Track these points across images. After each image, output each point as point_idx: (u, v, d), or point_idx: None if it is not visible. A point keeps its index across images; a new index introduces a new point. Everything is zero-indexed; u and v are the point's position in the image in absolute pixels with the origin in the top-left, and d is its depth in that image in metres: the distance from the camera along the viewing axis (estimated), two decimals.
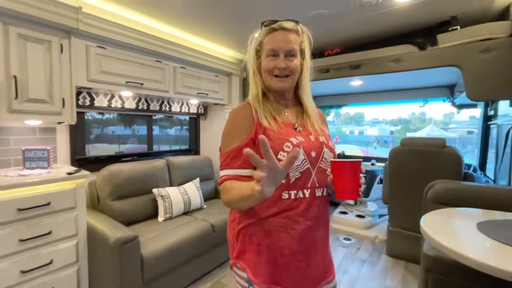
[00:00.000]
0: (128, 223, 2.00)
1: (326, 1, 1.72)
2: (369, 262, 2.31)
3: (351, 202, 3.24)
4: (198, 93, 2.53)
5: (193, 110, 2.97)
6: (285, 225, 0.75)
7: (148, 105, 2.49)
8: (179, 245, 1.79)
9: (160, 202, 2.14)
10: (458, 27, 1.88)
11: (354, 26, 2.09)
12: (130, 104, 2.33)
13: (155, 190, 2.15)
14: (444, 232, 1.12)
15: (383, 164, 3.29)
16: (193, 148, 3.13)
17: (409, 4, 1.71)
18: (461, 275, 1.29)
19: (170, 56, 2.22)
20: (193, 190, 2.37)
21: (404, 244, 2.29)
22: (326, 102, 4.00)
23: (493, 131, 2.71)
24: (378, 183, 3.11)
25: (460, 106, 2.97)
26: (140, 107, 2.41)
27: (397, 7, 1.75)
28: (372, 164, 3.30)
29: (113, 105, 2.20)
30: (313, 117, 0.87)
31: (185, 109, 2.87)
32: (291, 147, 0.74)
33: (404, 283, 1.99)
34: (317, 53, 2.64)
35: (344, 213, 3.11)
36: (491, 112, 2.64)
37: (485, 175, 2.67)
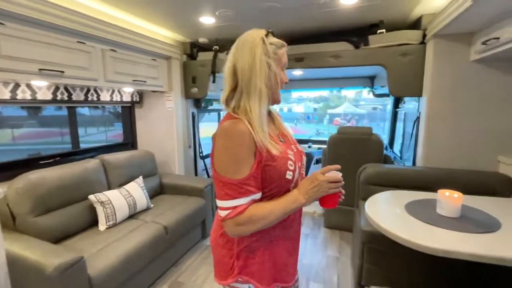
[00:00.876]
0: (62, 238, 1.71)
1: None
2: (311, 236, 2.64)
3: None
4: (133, 80, 2.22)
5: (127, 98, 2.61)
6: (283, 232, 0.81)
7: (70, 95, 2.05)
8: (130, 255, 1.63)
9: (100, 209, 1.88)
10: (384, 30, 2.15)
11: (300, 21, 2.15)
12: (45, 95, 1.88)
13: (92, 197, 1.87)
14: (381, 215, 1.37)
15: (317, 146, 3.67)
16: (129, 141, 2.80)
17: (349, 6, 1.85)
18: (390, 244, 1.61)
19: (96, 37, 1.84)
20: (137, 190, 2.16)
21: (338, 216, 2.68)
22: None
23: (400, 115, 3.34)
24: (314, 164, 3.47)
25: (379, 95, 3.50)
26: (58, 98, 1.97)
27: (339, 7, 1.87)
28: (309, 147, 3.64)
29: (19, 97, 1.73)
30: (281, 123, 0.91)
31: (116, 97, 2.48)
32: (293, 165, 0.77)
33: (340, 250, 2.37)
34: None
35: None
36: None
37: (393, 151, 3.30)
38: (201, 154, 3.22)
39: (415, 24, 2.11)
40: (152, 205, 2.27)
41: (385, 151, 2.52)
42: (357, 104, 20.03)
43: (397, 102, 3.34)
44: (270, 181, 0.75)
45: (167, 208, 2.21)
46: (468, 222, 1.20)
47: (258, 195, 0.72)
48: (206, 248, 2.40)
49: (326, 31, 2.34)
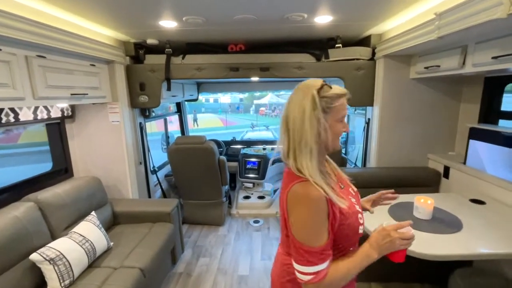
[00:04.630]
0: None
1: (256, 8, 1.60)
2: None
3: (250, 185, 3.56)
4: (72, 94, 1.74)
5: (56, 113, 2.03)
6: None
7: None
8: None
9: (48, 269, 1.44)
10: (341, 45, 2.34)
11: (268, 31, 2.10)
12: None
13: (35, 256, 1.41)
14: (369, 220, 1.55)
15: (270, 147, 3.77)
16: (61, 167, 2.21)
17: (318, 24, 1.92)
18: None
19: (16, 40, 1.34)
20: (93, 231, 1.75)
21: None
22: (213, 88, 3.90)
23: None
24: (270, 165, 3.58)
25: None
26: None
27: (311, 24, 1.92)
28: (264, 149, 3.71)
29: None
30: (336, 167, 0.94)
31: (42, 113, 1.90)
32: (362, 218, 0.80)
33: None
34: (220, 46, 2.45)
35: (247, 197, 3.41)
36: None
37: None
38: (152, 169, 2.85)
39: (364, 41, 2.37)
40: (112, 243, 1.89)
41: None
42: (278, 95, 21.45)
43: None
44: (345, 239, 0.77)
45: (133, 245, 1.88)
46: (439, 223, 1.47)
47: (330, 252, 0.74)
48: (180, 277, 2.19)
49: (290, 42, 2.37)
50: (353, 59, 2.33)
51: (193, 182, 2.82)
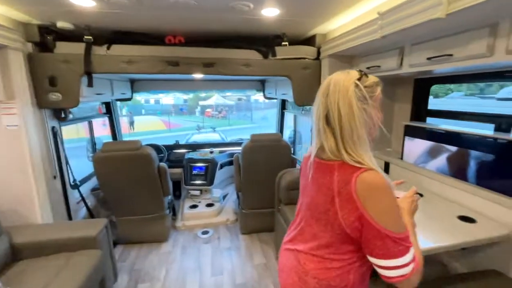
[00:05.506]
0: None
1: None
2: (234, 248, 2.56)
3: (196, 192, 3.27)
4: None
5: None
6: None
7: None
8: None
9: None
10: (287, 43, 2.28)
11: (210, 22, 1.89)
12: None
13: None
14: None
15: (218, 150, 3.56)
16: None
17: (265, 17, 1.80)
18: None
19: None
20: None
21: (254, 220, 2.74)
22: (151, 86, 3.48)
23: (286, 116, 3.80)
24: (219, 169, 3.35)
25: (269, 98, 3.78)
26: None
27: (257, 17, 1.78)
28: (211, 152, 3.46)
29: None
30: None
31: None
32: None
33: (265, 255, 2.44)
34: (155, 37, 2.13)
35: (194, 206, 3.11)
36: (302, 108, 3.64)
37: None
38: (73, 183, 2.33)
39: (310, 40, 2.36)
40: None
41: None
42: (224, 96, 21.26)
43: (283, 105, 3.74)
44: None
45: (40, 287, 1.44)
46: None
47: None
48: None
49: (236, 37, 2.20)
50: (300, 58, 2.29)
51: (127, 195, 2.41)
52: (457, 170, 1.67)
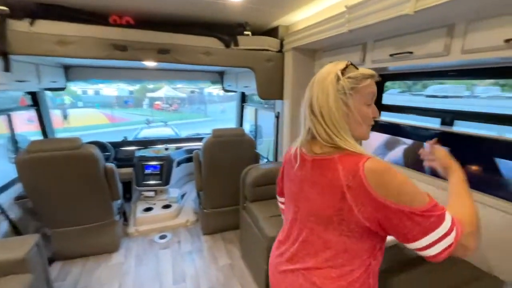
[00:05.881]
0: None
1: None
2: (196, 251, 2.39)
3: (151, 194, 2.98)
4: None
5: None
6: None
7: None
8: None
9: None
10: (250, 33, 2.16)
11: (163, 1, 1.65)
12: None
13: None
14: None
15: (174, 147, 3.29)
16: None
17: (228, 2, 1.65)
18: None
19: None
20: None
21: (216, 219, 2.61)
22: (90, 74, 3.00)
23: (245, 110, 3.70)
24: (176, 167, 3.09)
25: (228, 91, 3.62)
26: None
27: (220, 1, 1.62)
28: (166, 149, 3.16)
29: None
30: None
31: None
32: None
33: (230, 255, 2.35)
34: (95, 14, 1.80)
35: (149, 209, 2.82)
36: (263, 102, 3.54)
37: None
38: None
39: (272, 31, 2.28)
40: None
41: None
42: (175, 87, 20.11)
43: (243, 98, 3.63)
44: None
45: None
46: None
47: None
48: None
49: (193, 22, 1.99)
50: (263, 50, 2.20)
51: (64, 202, 2.03)
52: (413, 162, 1.81)
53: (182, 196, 3.18)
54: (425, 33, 1.30)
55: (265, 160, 3.07)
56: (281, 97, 2.34)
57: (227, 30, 2.07)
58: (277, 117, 2.52)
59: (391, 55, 1.47)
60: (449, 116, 1.74)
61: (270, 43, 2.22)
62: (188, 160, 3.31)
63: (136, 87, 21.47)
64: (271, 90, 2.30)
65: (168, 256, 2.33)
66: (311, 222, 0.73)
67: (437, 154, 0.87)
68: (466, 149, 1.52)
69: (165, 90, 17.67)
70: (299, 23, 2.02)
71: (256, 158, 2.59)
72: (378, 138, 2.06)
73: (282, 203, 1.10)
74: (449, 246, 0.59)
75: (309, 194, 0.74)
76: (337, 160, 0.67)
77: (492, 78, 1.71)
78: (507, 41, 1.00)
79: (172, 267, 2.19)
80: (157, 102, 20.31)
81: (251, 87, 2.60)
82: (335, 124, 0.68)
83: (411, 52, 1.37)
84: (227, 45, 2.08)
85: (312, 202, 0.73)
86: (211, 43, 2.04)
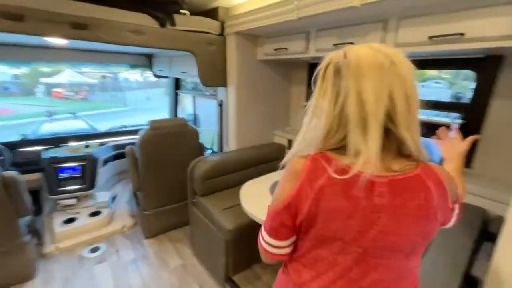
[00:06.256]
0: None
1: None
2: (140, 259, 2.14)
3: (72, 201, 2.47)
4: None
5: None
6: None
7: None
8: None
9: None
10: (188, 12, 1.95)
11: None
12: None
13: None
14: (254, 204, 1.52)
15: (97, 143, 2.81)
16: None
17: None
18: (249, 233, 1.75)
19: None
20: None
21: (161, 219, 2.38)
22: None
23: (179, 98, 3.42)
24: (102, 166, 2.62)
25: (159, 77, 3.22)
26: None
27: None
28: (87, 147, 2.63)
29: None
30: None
31: None
32: None
33: (180, 255, 2.19)
34: None
35: (71, 220, 2.33)
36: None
37: None
38: None
39: (211, 13, 2.12)
40: None
41: None
42: (80, 71, 16.94)
43: (177, 84, 3.33)
44: None
45: None
46: None
47: None
48: None
49: None
50: (203, 32, 2.03)
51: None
52: None
53: (113, 199, 2.76)
54: (365, 26, 1.43)
55: (210, 151, 2.94)
56: (224, 84, 2.23)
57: (161, 7, 1.81)
58: (220, 105, 2.41)
59: (334, 44, 1.57)
60: None
61: (210, 25, 2.06)
62: (116, 157, 2.87)
63: (22, 70, 17.08)
64: (214, 77, 2.17)
65: (107, 270, 2.00)
66: (386, 258, 0.58)
67: (457, 145, 0.86)
68: None
69: (68, 74, 14.63)
70: (241, 6, 1.93)
71: (200, 150, 2.44)
72: None
73: (283, 247, 0.67)
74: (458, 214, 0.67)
75: (388, 227, 0.55)
76: (422, 175, 0.56)
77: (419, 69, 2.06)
78: (430, 38, 1.18)
79: (113, 282, 1.90)
80: (57, 89, 16.69)
81: (189, 73, 2.38)
82: (418, 128, 0.56)
83: (352, 43, 1.49)
84: (162, 24, 1.82)
85: (392, 235, 0.56)
86: (142, 20, 1.75)
